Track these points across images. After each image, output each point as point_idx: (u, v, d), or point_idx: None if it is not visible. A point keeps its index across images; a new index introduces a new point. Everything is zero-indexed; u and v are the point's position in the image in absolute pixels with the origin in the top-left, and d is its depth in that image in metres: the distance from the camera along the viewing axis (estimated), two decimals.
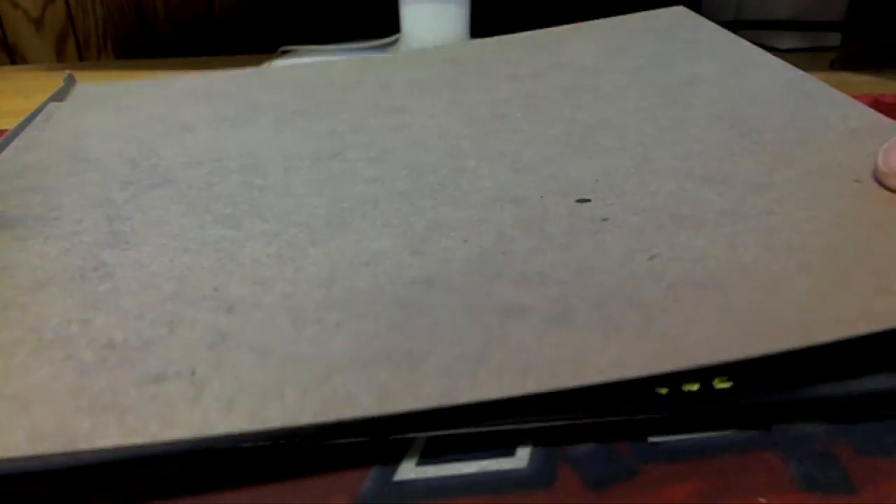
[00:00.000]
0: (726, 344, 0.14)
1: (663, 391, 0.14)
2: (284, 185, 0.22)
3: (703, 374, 0.14)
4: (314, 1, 0.56)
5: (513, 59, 0.33)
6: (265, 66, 0.44)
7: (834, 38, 0.53)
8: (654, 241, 0.18)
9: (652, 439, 0.14)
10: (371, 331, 0.15)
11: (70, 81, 0.36)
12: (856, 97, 0.26)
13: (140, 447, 0.12)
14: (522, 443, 0.14)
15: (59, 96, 0.34)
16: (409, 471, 0.13)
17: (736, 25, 0.53)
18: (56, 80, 0.34)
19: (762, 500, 0.12)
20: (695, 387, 0.14)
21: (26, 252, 0.18)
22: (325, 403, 0.13)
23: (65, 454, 0.12)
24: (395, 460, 0.13)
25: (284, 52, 0.49)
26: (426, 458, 0.14)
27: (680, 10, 0.37)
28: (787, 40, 0.50)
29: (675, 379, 0.14)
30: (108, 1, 0.54)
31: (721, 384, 0.14)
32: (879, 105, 0.33)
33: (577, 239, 0.18)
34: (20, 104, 0.30)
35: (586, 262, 0.17)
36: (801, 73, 0.29)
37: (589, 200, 0.20)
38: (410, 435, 0.14)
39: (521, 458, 0.14)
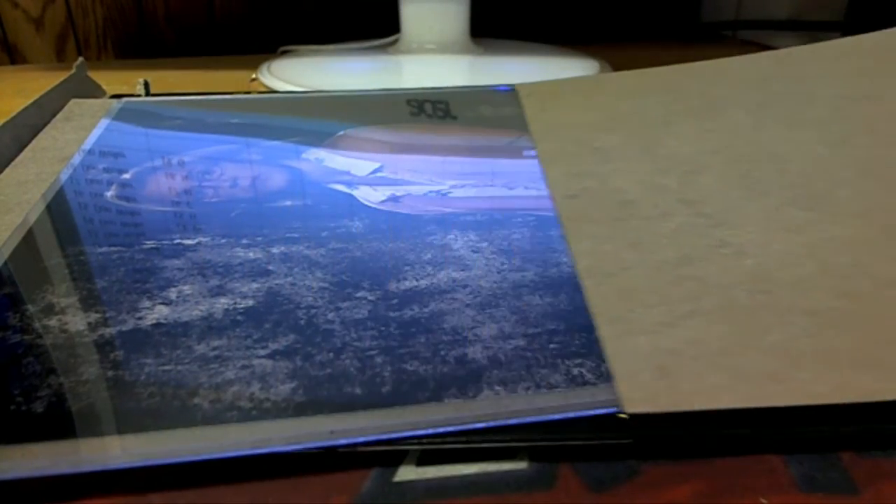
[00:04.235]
0: None
1: None
2: (812, 173, 0.22)
3: None
4: (314, 1, 0.56)
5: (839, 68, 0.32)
6: (265, 65, 0.44)
7: (833, 38, 0.53)
8: None
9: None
10: None
11: (82, 68, 0.36)
12: None
13: None
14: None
15: (72, 89, 0.33)
16: (409, 471, 0.13)
17: (736, 25, 0.53)
18: (56, 80, 0.34)
19: (763, 500, 0.12)
20: None
21: (637, 231, 0.19)
22: None
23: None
24: (395, 461, 0.13)
25: (284, 53, 0.49)
26: (426, 458, 0.14)
27: None
28: (787, 40, 0.50)
29: None
30: (109, 1, 0.54)
31: None
32: None
33: None
34: (21, 104, 0.30)
35: None
36: None
37: None
38: None
39: (522, 459, 0.14)
